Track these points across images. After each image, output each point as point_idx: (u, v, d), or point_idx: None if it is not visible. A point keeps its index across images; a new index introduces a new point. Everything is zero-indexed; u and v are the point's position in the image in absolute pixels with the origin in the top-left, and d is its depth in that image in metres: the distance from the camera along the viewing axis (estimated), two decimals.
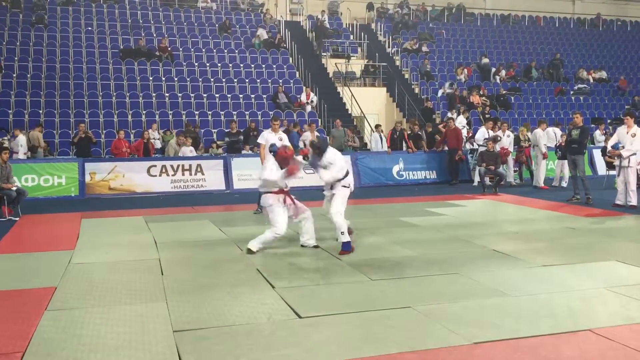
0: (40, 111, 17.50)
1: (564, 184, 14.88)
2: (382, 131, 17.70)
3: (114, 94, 18.82)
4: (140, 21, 22.87)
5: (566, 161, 13.71)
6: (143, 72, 20.10)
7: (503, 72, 25.07)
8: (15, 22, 21.20)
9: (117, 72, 19.87)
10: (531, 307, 5.15)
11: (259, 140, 11.26)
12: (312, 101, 20.23)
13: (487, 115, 20.24)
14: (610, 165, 14.85)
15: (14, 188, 10.91)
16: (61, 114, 17.60)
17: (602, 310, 5.10)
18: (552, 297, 5.45)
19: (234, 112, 18.99)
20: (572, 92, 24.91)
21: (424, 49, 25.45)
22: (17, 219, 10.52)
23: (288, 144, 10.65)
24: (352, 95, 21.31)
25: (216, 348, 4.27)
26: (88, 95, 18.53)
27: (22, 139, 14.86)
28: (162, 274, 6.43)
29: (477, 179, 15.06)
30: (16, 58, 19.37)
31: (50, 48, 20.17)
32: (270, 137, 10.75)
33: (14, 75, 18.63)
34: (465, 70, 24.50)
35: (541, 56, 27.19)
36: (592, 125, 21.10)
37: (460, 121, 18.31)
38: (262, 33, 23.01)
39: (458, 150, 15.97)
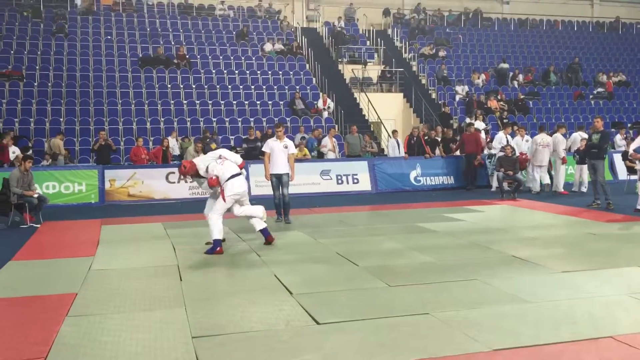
0: (61, 119, 17.75)
1: (584, 189, 14.72)
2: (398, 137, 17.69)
3: (133, 101, 19.03)
4: (159, 29, 23.12)
5: (585, 166, 13.58)
6: (161, 80, 20.31)
7: (521, 77, 24.91)
8: (36, 32, 21.54)
9: (136, 80, 20.09)
10: (551, 314, 5.10)
11: (263, 149, 10.79)
12: (328, 107, 20.27)
13: (505, 120, 20.11)
14: (631, 170, 14.68)
15: (36, 195, 11.06)
16: (81, 121, 17.83)
17: (624, 317, 5.03)
18: (572, 304, 5.39)
19: (252, 119, 19.09)
20: (591, 97, 24.66)
21: (441, 54, 25.39)
22: (38, 225, 10.65)
23: (294, 151, 10.67)
24: (369, 101, 21.32)
25: (235, 354, 4.28)
26: (108, 103, 18.75)
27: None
28: (181, 280, 6.47)
29: (495, 184, 14.95)
30: (37, 67, 19.68)
31: (71, 57, 20.46)
32: (275, 145, 10.45)
33: (36, 84, 18.92)
34: (483, 75, 24.38)
35: (559, 60, 26.98)
36: (612, 130, 20.86)
37: (479, 126, 18.21)
38: (269, 45, 23.05)
39: (477, 155, 15.88)
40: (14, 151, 14.62)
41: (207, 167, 8.02)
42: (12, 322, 5.16)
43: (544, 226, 10.04)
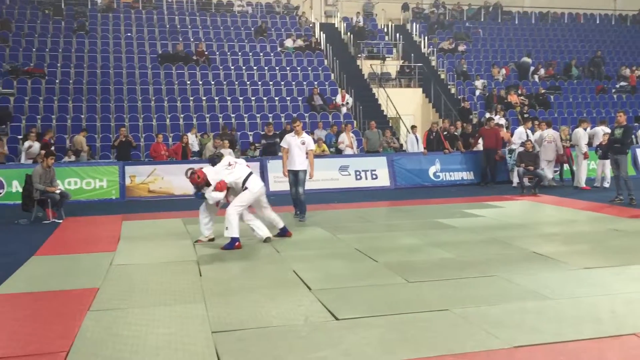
0: (82, 116, 17.94)
1: (606, 185, 14.51)
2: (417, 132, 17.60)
3: (153, 98, 19.17)
4: (178, 26, 23.24)
5: (608, 161, 13.40)
6: (181, 76, 20.43)
7: (542, 71, 24.61)
8: (57, 29, 21.79)
9: (156, 76, 20.24)
10: (573, 311, 5.04)
11: (281, 144, 10.66)
12: (347, 103, 20.23)
13: (525, 115, 19.90)
14: None
15: (58, 191, 11.21)
16: (102, 118, 18.01)
17: None
18: (595, 301, 5.32)
19: (270, 115, 19.12)
20: (613, 91, 24.29)
21: (461, 48, 25.19)
22: (60, 221, 10.79)
23: (312, 147, 10.45)
24: (388, 96, 21.23)
25: (254, 349, 4.30)
26: (128, 99, 18.92)
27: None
28: (200, 276, 6.52)
29: (515, 179, 14.81)
30: (59, 65, 19.91)
31: (92, 54, 20.66)
32: (292, 140, 10.27)
33: (57, 81, 19.14)
34: (503, 69, 24.14)
35: (581, 54, 26.61)
36: (636, 124, 20.54)
37: (499, 121, 18.02)
38: (289, 41, 23.08)
39: (496, 150, 15.74)
40: (30, 146, 14.81)
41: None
42: (35, 316, 5.24)
43: (566, 222, 9.93)
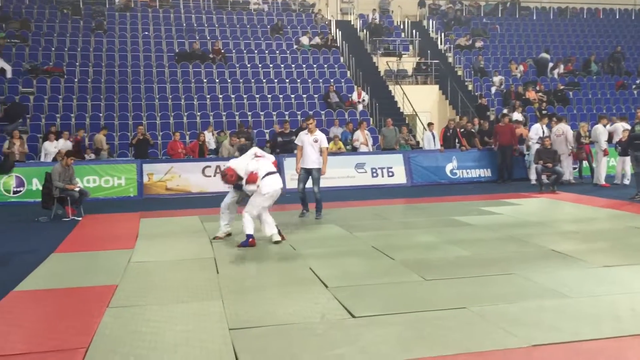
0: (101, 114, 18.10)
1: (627, 182, 14.34)
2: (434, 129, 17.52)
3: (170, 96, 19.29)
4: (195, 25, 23.35)
5: (628, 158, 13.22)
6: (197, 74, 20.53)
7: (561, 67, 24.34)
8: (76, 28, 22.00)
9: (173, 75, 20.36)
10: (592, 309, 4.99)
11: (295, 142, 10.64)
12: (363, 100, 20.19)
13: (544, 112, 19.71)
14: None
15: (77, 189, 11.33)
16: (120, 116, 18.17)
17: None
18: (614, 299, 5.27)
19: (286, 113, 19.14)
20: (634, 87, 23.94)
21: (478, 44, 25.00)
22: (79, 218, 10.91)
23: (325, 144, 10.32)
24: (404, 93, 21.15)
25: (271, 346, 4.32)
26: (145, 98, 19.05)
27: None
28: (218, 273, 6.55)
29: (533, 177, 14.68)
30: (77, 63, 20.11)
31: (110, 53, 20.83)
32: (305, 138, 10.21)
33: (76, 80, 19.34)
34: (521, 65, 23.92)
35: (601, 49, 26.27)
36: None
37: (517, 117, 17.87)
38: (305, 38, 23.07)
39: (512, 146, 15.61)
40: (55, 146, 15.02)
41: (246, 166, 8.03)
42: (55, 312, 5.31)
43: (585, 220, 9.82)
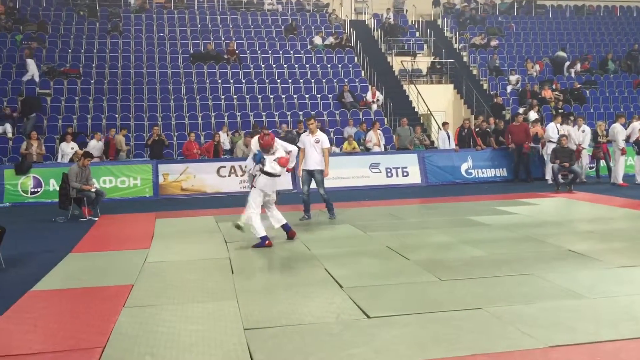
0: (117, 115, 18.24)
1: None
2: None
3: (185, 97, 19.39)
4: (209, 26, 23.45)
5: None
6: (212, 75, 20.61)
7: (578, 65, 24.10)
8: (92, 30, 22.18)
9: (188, 75, 20.46)
10: (610, 310, 4.94)
11: (298, 144, 10.03)
12: (377, 100, 20.14)
13: (560, 110, 19.53)
14: None
15: (93, 189, 11.43)
16: (136, 117, 18.29)
17: None
18: (632, 300, 5.20)
19: (300, 113, 19.14)
20: None
21: (493, 43, 24.83)
22: (96, 219, 11.01)
23: (327, 145, 10.03)
24: (419, 92, 21.07)
25: (286, 346, 4.32)
26: (161, 99, 19.16)
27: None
28: (233, 273, 6.57)
29: (550, 176, 14.55)
30: (94, 65, 20.27)
31: (125, 54, 20.98)
32: (307, 139, 9.93)
33: (92, 81, 19.49)
34: (537, 65, 23.71)
35: (618, 47, 25.97)
36: None
37: (532, 116, 17.72)
38: (318, 38, 23.06)
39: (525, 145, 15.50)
40: (72, 147, 15.17)
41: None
42: (73, 312, 5.36)
43: (602, 219, 9.72)
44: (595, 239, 7.99)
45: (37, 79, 18.80)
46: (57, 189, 12.23)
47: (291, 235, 8.36)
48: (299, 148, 9.86)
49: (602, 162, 15.72)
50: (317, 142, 9.91)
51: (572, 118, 15.86)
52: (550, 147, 14.74)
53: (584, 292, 5.43)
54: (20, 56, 19.46)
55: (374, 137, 16.59)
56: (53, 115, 17.74)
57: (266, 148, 7.97)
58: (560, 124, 15.38)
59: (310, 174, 10.10)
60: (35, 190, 13.85)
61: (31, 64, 18.77)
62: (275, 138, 8.25)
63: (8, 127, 16.54)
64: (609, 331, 4.44)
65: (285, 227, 8.37)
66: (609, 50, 25.34)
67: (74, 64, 20.09)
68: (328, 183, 10.58)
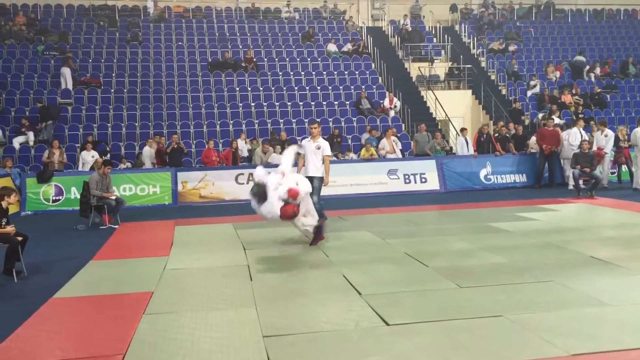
0: (136, 124, 18.42)
1: None
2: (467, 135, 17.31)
3: (203, 105, 19.53)
4: (227, 34, 23.62)
5: None
6: (230, 83, 20.74)
7: (597, 69, 23.84)
8: (112, 40, 22.47)
9: (206, 84, 20.61)
10: (634, 318, 4.85)
11: (299, 151, 9.52)
12: (395, 106, 20.10)
13: (580, 115, 19.32)
14: None
15: (114, 197, 11.55)
16: (155, 125, 18.46)
17: None
18: None
19: (318, 120, 19.11)
20: None
21: (511, 48, 24.68)
22: (116, 226, 11.10)
23: (328, 152, 9.49)
24: (436, 98, 20.99)
25: (305, 354, 4.31)
26: (179, 107, 19.32)
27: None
28: (251, 280, 6.58)
29: (571, 182, 14.38)
30: (113, 74, 20.52)
31: (145, 64, 21.21)
32: (307, 145, 9.38)
33: (112, 90, 19.73)
34: (557, 71, 23.49)
35: (639, 51, 25.65)
36: None
37: (557, 121, 17.54)
38: (331, 46, 23.10)
39: (556, 150, 15.35)
40: (93, 155, 15.34)
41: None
42: (93, 319, 5.40)
43: (625, 225, 9.58)
44: (618, 245, 7.87)
45: (70, 87, 19.11)
46: (78, 197, 12.37)
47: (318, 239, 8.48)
48: (299, 154, 9.48)
49: (624, 167, 15.51)
50: (319, 148, 9.39)
51: (592, 123, 15.68)
52: (568, 151, 14.58)
53: (607, 300, 5.34)
54: (42, 67, 19.78)
55: (388, 145, 16.48)
56: (74, 124, 17.97)
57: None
58: (583, 129, 15.22)
59: (310, 180, 9.26)
60: (57, 198, 14.02)
61: (67, 73, 19.08)
62: (286, 172, 8.06)
63: (31, 136, 16.81)
64: (633, 339, 4.36)
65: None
66: (630, 54, 25.05)
67: (95, 73, 20.35)
68: (345, 190, 10.46)
